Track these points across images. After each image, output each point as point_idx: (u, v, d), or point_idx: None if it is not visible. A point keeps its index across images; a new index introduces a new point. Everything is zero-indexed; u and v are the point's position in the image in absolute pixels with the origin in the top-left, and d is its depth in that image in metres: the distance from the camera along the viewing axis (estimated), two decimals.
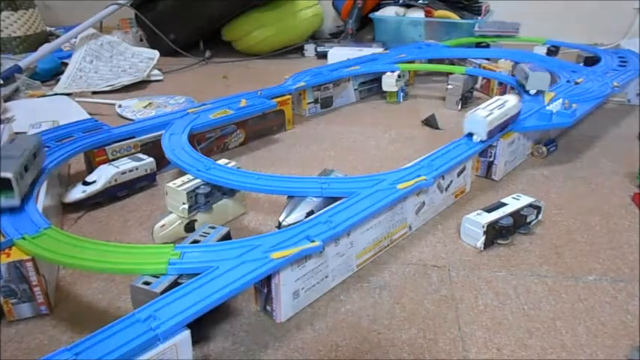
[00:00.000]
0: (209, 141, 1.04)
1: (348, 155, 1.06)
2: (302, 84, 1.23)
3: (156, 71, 1.68)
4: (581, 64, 1.43)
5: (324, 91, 1.32)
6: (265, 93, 1.15)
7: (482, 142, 0.85)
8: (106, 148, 0.90)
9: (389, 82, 1.35)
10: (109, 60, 1.67)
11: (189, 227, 0.75)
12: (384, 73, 1.36)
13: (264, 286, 0.59)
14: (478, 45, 1.76)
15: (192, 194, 0.74)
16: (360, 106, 1.39)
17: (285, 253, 0.56)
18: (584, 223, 0.80)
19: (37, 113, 1.22)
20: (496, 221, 0.72)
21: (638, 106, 1.34)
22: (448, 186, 0.82)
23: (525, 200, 0.77)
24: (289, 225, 0.66)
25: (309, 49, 1.96)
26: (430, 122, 1.21)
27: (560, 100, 1.03)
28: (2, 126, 1.02)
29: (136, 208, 0.85)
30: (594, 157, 1.04)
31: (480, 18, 1.87)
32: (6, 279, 0.57)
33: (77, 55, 1.63)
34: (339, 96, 1.37)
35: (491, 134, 0.86)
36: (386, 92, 1.40)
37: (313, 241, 0.59)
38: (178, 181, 0.75)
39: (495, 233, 0.73)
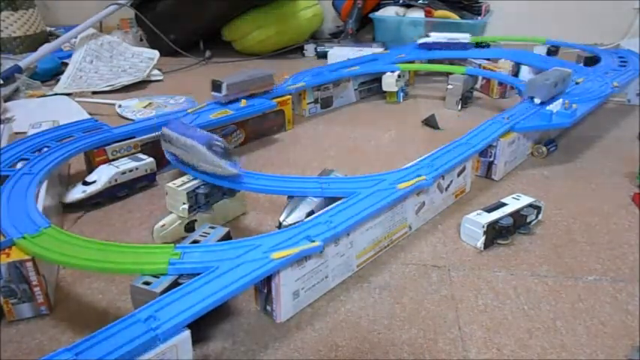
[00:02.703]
0: None
1: (348, 155, 1.06)
2: (302, 84, 1.23)
3: (156, 71, 1.68)
4: (581, 64, 1.43)
5: (324, 91, 1.32)
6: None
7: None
8: (106, 148, 0.90)
9: (389, 82, 1.35)
10: (109, 60, 1.67)
11: (189, 227, 0.75)
12: (384, 73, 1.36)
13: (264, 286, 0.59)
14: (478, 45, 1.76)
15: (192, 194, 0.74)
16: (360, 106, 1.39)
17: (286, 253, 0.56)
18: (584, 223, 0.80)
19: (37, 113, 1.22)
20: (496, 221, 0.72)
21: (638, 106, 1.34)
22: (448, 186, 0.82)
23: (525, 200, 0.77)
24: (289, 225, 0.67)
25: (309, 49, 1.96)
26: (430, 122, 1.21)
27: (560, 100, 1.03)
28: (2, 126, 1.02)
29: (136, 208, 0.85)
30: (594, 157, 1.04)
31: (480, 18, 1.87)
32: (6, 279, 0.57)
33: (77, 55, 1.63)
34: (339, 96, 1.37)
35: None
36: (386, 92, 1.40)
37: (313, 241, 0.59)
38: (178, 181, 0.75)
39: (495, 233, 0.73)
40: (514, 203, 0.76)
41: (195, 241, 0.62)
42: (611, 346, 0.56)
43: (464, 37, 1.49)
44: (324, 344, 0.56)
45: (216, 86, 1.08)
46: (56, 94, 1.46)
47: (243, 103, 1.07)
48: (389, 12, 1.93)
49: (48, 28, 2.05)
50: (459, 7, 1.89)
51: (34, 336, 0.57)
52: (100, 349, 0.43)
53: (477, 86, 1.45)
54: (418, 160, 0.81)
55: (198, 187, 0.74)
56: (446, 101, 1.35)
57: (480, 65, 1.46)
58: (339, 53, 1.64)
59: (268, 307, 0.60)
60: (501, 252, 0.73)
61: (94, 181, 0.84)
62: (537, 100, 1.03)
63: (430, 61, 1.54)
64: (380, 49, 1.67)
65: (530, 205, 0.76)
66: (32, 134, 0.90)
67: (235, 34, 1.93)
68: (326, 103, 1.34)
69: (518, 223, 0.75)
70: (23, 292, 0.58)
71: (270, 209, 0.84)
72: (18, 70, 1.48)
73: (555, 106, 1.01)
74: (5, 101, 1.34)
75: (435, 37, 1.50)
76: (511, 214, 0.74)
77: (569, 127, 1.03)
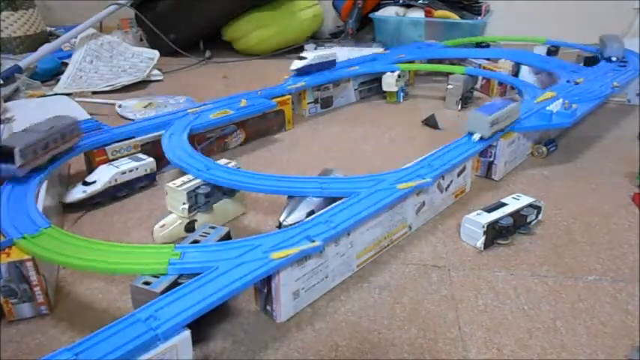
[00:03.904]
0: (209, 141, 1.04)
1: (348, 155, 1.06)
2: (302, 84, 1.23)
3: (156, 71, 1.68)
4: (581, 64, 1.43)
5: (324, 91, 1.32)
6: (265, 93, 1.16)
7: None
8: (106, 148, 0.90)
9: (389, 82, 1.36)
10: (109, 60, 1.67)
11: (190, 227, 0.75)
12: (384, 73, 1.36)
13: (264, 286, 0.59)
14: (478, 45, 1.76)
15: (192, 194, 0.74)
16: (360, 106, 1.39)
17: (285, 253, 0.56)
18: (584, 223, 0.80)
19: (37, 113, 1.22)
20: (496, 221, 0.72)
21: (638, 106, 1.34)
22: (448, 186, 0.82)
23: (525, 200, 0.77)
24: (290, 225, 0.67)
25: (309, 49, 1.96)
26: (430, 122, 1.21)
27: (560, 100, 1.03)
28: (2, 126, 1.02)
29: (136, 208, 0.85)
30: (594, 157, 1.04)
31: (480, 18, 1.87)
32: (6, 279, 0.57)
33: (77, 55, 1.63)
34: (339, 96, 1.37)
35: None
36: (386, 92, 1.40)
37: (313, 241, 0.59)
38: (178, 181, 0.75)
39: (495, 233, 0.73)
40: (514, 203, 0.76)
41: (195, 241, 0.62)
42: (611, 346, 0.56)
43: (332, 55, 1.37)
44: (324, 344, 0.56)
45: (5, 155, 0.71)
46: (56, 94, 1.46)
47: (243, 103, 1.07)
48: (389, 12, 1.93)
49: (48, 28, 2.05)
50: (459, 7, 1.89)
51: (34, 336, 0.57)
52: (100, 349, 0.43)
53: (477, 86, 1.45)
54: (418, 160, 0.81)
55: (198, 187, 0.74)
56: (446, 101, 1.35)
57: (480, 65, 1.46)
58: (339, 53, 1.64)
59: (268, 307, 0.60)
60: (501, 252, 0.73)
61: (94, 181, 0.84)
62: (614, 58, 1.31)
63: (430, 61, 1.54)
64: (380, 49, 1.67)
65: (530, 205, 0.76)
66: None
67: (235, 34, 1.93)
68: (326, 103, 1.34)
69: (518, 223, 0.75)
70: (23, 291, 0.58)
71: (270, 209, 0.84)
72: (18, 70, 1.48)
73: (555, 106, 1.01)
74: (5, 101, 1.34)
75: (310, 57, 1.30)
76: (511, 214, 0.74)
77: (569, 127, 1.03)
